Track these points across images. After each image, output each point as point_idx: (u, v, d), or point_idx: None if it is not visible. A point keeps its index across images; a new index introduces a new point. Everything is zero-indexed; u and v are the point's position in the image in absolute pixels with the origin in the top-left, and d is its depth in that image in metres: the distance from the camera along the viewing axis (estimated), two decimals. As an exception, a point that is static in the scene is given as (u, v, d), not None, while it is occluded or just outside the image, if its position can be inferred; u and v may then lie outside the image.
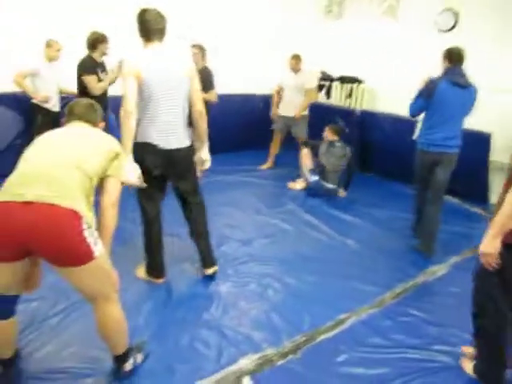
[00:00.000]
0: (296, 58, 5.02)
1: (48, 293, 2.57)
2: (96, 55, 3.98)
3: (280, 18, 6.24)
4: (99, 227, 1.82)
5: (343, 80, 5.77)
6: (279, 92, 5.27)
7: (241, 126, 6.10)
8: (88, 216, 1.69)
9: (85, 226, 1.66)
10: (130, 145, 2.36)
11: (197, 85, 2.59)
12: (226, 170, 5.23)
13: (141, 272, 2.88)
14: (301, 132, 5.19)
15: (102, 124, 2.11)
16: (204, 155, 2.72)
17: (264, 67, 6.12)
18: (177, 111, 2.51)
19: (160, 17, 2.45)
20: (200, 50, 4.37)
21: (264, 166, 5.47)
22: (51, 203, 1.60)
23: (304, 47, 6.31)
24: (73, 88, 4.20)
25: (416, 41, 5.27)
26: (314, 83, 5.27)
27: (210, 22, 5.51)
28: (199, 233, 2.82)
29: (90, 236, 1.69)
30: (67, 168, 1.71)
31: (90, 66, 3.96)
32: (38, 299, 2.51)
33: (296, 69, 5.06)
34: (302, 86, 5.09)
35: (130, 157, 2.38)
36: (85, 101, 2.07)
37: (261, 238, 3.58)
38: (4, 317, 1.83)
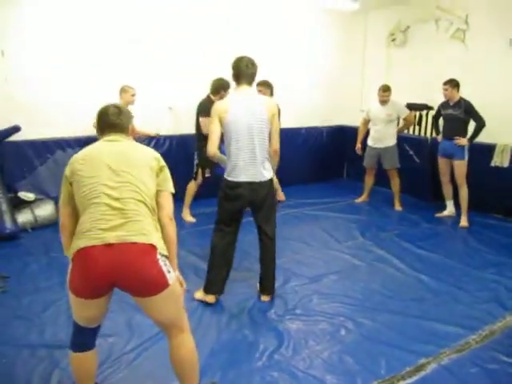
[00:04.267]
0: (388, 90, 5.02)
1: (123, 329, 2.64)
2: (216, 99, 4.09)
3: (342, 48, 6.48)
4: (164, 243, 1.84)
5: (411, 107, 5.61)
6: (366, 124, 5.33)
7: (308, 159, 6.41)
8: (160, 244, 1.77)
9: (159, 256, 1.74)
10: None
11: (276, 124, 2.77)
12: (294, 204, 5.41)
13: (198, 293, 2.99)
14: (394, 161, 5.17)
15: (131, 127, 2.02)
16: (276, 183, 2.98)
17: (327, 99, 6.46)
18: (259, 150, 2.74)
19: (251, 64, 2.70)
20: (267, 86, 4.53)
21: (359, 199, 5.56)
22: (131, 242, 1.69)
23: (370, 76, 6.29)
24: (146, 129, 4.80)
25: (486, 63, 5.09)
26: (407, 110, 5.24)
27: (276, 59, 5.73)
28: (266, 272, 2.99)
29: (164, 265, 1.75)
30: (136, 205, 1.77)
31: (207, 109, 4.07)
32: (114, 335, 2.56)
33: (387, 100, 5.06)
34: (395, 116, 5.11)
35: None
36: (112, 108, 1.93)
37: (331, 273, 3.53)
38: (88, 347, 1.88)
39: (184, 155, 5.01)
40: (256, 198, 2.79)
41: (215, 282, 2.93)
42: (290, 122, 5.47)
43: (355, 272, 3.58)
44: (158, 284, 1.74)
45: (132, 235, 1.70)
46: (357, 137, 5.48)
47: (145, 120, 4.75)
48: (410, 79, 5.90)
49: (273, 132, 2.76)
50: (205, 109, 4.07)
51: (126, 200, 1.76)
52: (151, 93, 4.97)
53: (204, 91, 4.41)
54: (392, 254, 3.91)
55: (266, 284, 3.01)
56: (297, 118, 5.91)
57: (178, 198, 4.87)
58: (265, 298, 3.03)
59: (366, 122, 5.34)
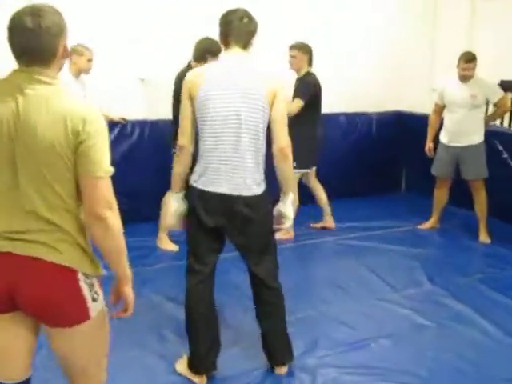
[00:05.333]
0: (472, 60, 5.02)
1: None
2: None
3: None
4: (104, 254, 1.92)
5: (506, 87, 5.58)
6: (439, 112, 5.41)
7: (349, 161, 6.51)
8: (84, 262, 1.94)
9: (80, 276, 1.89)
10: (177, 183, 2.86)
11: (281, 111, 2.78)
12: (322, 230, 5.54)
13: (181, 365, 3.10)
14: (480, 169, 5.19)
15: (63, 46, 1.90)
16: (284, 209, 2.93)
17: (380, 73, 6.68)
18: (245, 150, 2.76)
19: (247, 18, 2.74)
20: (304, 51, 4.81)
21: (425, 225, 5.67)
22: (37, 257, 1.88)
23: (443, 41, 6.49)
24: (107, 111, 4.77)
25: None
26: (500, 91, 5.26)
27: (307, 15, 6.03)
28: (271, 332, 3.04)
29: (88, 289, 1.90)
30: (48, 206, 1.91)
31: None
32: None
33: (470, 76, 5.08)
34: (482, 99, 5.13)
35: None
36: (27, 15, 1.78)
37: (381, 337, 3.57)
38: None
39: (160, 150, 5.08)
40: (233, 220, 2.81)
41: (200, 356, 2.99)
42: (322, 105, 5.50)
43: (419, 336, 3.59)
44: (71, 313, 1.88)
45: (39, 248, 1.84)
46: (425, 131, 5.55)
47: (106, 97, 4.83)
48: (505, 46, 5.93)
49: (276, 122, 2.78)
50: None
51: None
52: (116, 58, 5.09)
53: (188, 58, 4.50)
54: (475, 310, 3.93)
55: (276, 352, 3.08)
56: (333, 99, 5.87)
57: (151, 215, 5.11)
58: (280, 371, 3.09)
59: (440, 108, 5.40)
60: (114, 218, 1.83)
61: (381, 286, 4.34)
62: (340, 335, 3.58)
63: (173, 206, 2.90)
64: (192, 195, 2.84)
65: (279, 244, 4.77)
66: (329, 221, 5.57)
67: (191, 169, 2.88)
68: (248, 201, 2.77)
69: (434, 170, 5.49)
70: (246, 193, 2.75)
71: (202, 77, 2.73)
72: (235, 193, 2.74)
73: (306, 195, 5.14)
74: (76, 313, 1.88)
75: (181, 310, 3.38)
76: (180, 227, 2.97)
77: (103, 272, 1.95)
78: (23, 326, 1.93)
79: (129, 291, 1.97)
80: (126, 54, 5.25)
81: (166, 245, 4.91)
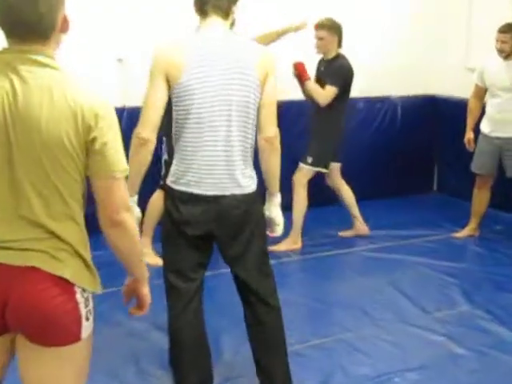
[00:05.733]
0: (508, 31, 5.09)
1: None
2: None
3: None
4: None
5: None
6: (481, 96, 5.45)
7: (370, 156, 6.56)
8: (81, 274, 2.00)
9: (77, 289, 1.95)
10: (135, 184, 2.80)
11: (270, 94, 2.80)
12: (348, 239, 5.59)
13: None
14: None
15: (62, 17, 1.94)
16: (273, 212, 3.00)
17: (407, 49, 6.68)
18: (235, 141, 2.76)
19: None
20: (334, 30, 4.97)
21: (462, 233, 5.68)
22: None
23: (481, 9, 6.41)
24: None
25: None
26: None
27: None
28: (267, 367, 3.02)
29: (84, 306, 1.96)
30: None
31: None
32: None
33: (505, 49, 5.15)
34: None
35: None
36: None
37: (409, 370, 3.54)
38: None
39: None
40: (224, 226, 2.82)
41: None
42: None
43: (455, 368, 3.56)
44: (64, 330, 1.92)
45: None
46: (462, 118, 5.56)
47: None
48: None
49: (264, 107, 2.79)
50: None
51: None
52: (88, 34, 5.08)
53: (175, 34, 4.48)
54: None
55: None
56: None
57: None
58: None
59: (481, 91, 5.42)
60: (131, 220, 1.96)
61: (409, 308, 4.31)
62: (359, 368, 3.55)
63: (136, 211, 2.89)
64: (171, 199, 2.83)
65: (284, 256, 4.83)
66: (360, 226, 5.62)
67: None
68: (241, 200, 2.79)
69: (473, 167, 5.49)
70: (237, 191, 2.77)
71: (183, 52, 2.69)
72: (227, 192, 2.75)
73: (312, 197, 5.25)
74: (69, 331, 1.92)
75: (164, 338, 3.48)
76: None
77: (101, 290, 2.03)
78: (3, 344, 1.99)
79: (147, 292, 2.13)
80: (100, 28, 5.25)
81: (149, 258, 4.83)
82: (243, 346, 3.56)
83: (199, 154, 2.72)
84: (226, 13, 2.74)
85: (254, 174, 2.85)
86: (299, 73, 5.03)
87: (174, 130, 2.79)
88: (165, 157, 4.76)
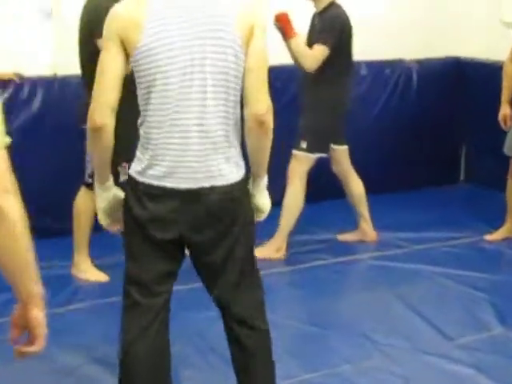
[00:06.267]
0: None
1: None
2: None
3: None
4: None
5: None
6: None
7: (379, 137, 6.62)
8: None
9: None
10: (103, 171, 2.88)
11: (259, 55, 2.78)
12: (355, 243, 5.61)
13: None
14: None
15: None
16: (260, 199, 3.01)
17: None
18: (212, 117, 2.75)
19: None
20: None
21: (495, 235, 5.71)
22: None
23: None
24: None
25: None
26: None
27: None
28: None
29: None
30: None
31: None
32: None
33: None
34: None
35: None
36: None
37: None
38: None
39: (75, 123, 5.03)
40: (202, 227, 2.83)
41: None
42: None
43: None
44: None
45: None
46: (496, 89, 5.60)
47: None
48: None
49: (252, 72, 2.76)
50: (103, 19, 4.18)
51: None
52: None
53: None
54: None
55: None
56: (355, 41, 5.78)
57: (61, 226, 5.28)
58: None
59: None
60: (11, 205, 1.82)
61: (425, 332, 4.27)
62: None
63: (102, 201, 2.95)
64: (134, 195, 2.82)
65: (268, 267, 5.01)
66: (367, 229, 5.60)
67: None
68: (223, 193, 2.79)
69: (507, 148, 5.51)
70: (219, 181, 2.76)
71: (140, 7, 2.68)
72: (205, 184, 2.74)
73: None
74: None
75: (111, 373, 3.52)
76: (118, 227, 3.07)
77: None
78: None
79: (39, 316, 1.93)
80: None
81: (89, 273, 4.91)
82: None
83: (168, 138, 2.73)
84: None
85: (240, 158, 2.87)
86: (282, 27, 4.98)
87: (141, 110, 2.80)
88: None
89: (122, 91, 2.75)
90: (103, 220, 3.01)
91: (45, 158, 5.44)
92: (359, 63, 6.37)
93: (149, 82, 2.70)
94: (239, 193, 2.84)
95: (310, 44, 5.00)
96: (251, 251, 3.00)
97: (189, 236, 2.81)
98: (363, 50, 6.17)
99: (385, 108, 6.65)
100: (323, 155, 5.24)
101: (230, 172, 2.80)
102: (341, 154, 5.40)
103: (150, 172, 2.76)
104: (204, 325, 4.01)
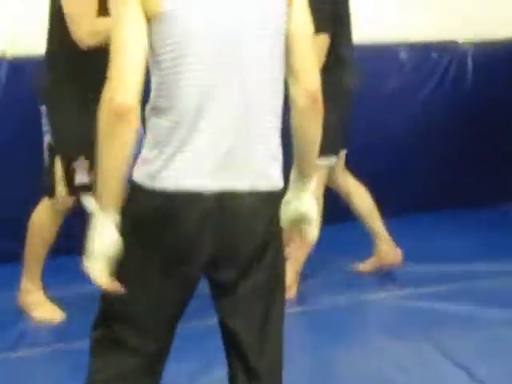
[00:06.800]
0: None
1: None
2: None
3: None
4: None
5: None
6: None
7: (413, 143, 6.61)
8: None
9: None
10: (114, 188, 2.64)
11: (305, 15, 2.80)
12: (355, 277, 5.63)
13: None
14: None
15: None
16: (306, 206, 2.91)
17: None
18: (254, 99, 2.68)
19: None
20: None
21: None
22: None
23: None
24: None
25: None
26: None
27: None
28: None
29: None
30: None
31: None
32: None
33: None
34: None
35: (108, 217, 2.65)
36: None
37: None
38: None
39: (27, 116, 5.22)
40: (234, 243, 2.71)
41: None
42: (369, 30, 5.73)
43: None
44: None
45: None
46: None
47: None
48: None
49: (299, 41, 2.74)
50: None
51: None
52: None
53: None
54: None
55: None
56: (380, 16, 6.07)
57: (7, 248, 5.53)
58: None
59: None
60: None
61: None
62: None
63: (109, 235, 2.70)
64: (144, 205, 2.71)
65: None
66: (387, 249, 5.55)
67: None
68: (265, 201, 2.73)
69: None
70: (263, 185, 2.68)
71: None
72: (245, 187, 2.65)
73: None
74: None
75: None
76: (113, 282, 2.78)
77: None
78: None
79: None
80: None
81: (40, 309, 4.86)
82: None
83: (199, 131, 2.61)
84: None
85: (281, 155, 2.81)
86: None
87: (154, 95, 2.67)
88: (48, 140, 4.82)
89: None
90: (99, 273, 2.66)
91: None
92: (397, 45, 6.38)
93: (175, 58, 2.60)
94: (279, 202, 2.83)
95: None
96: (282, 278, 2.90)
97: (213, 257, 2.72)
98: (401, 28, 6.24)
99: (429, 103, 6.62)
100: (334, 159, 5.22)
101: (273, 173, 2.74)
102: (339, 161, 5.41)
103: (170, 170, 2.62)
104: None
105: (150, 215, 2.68)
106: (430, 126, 6.55)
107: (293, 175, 2.90)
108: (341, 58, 5.16)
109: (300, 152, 2.88)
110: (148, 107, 2.67)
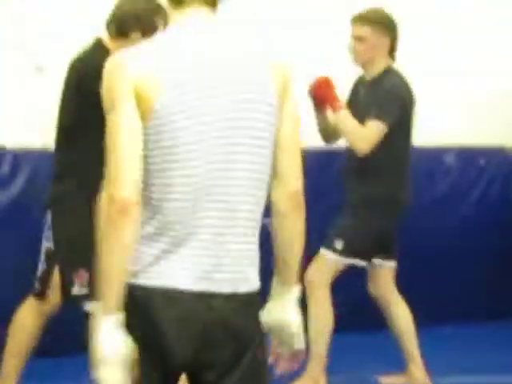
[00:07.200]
0: None
1: None
2: (117, 47, 4.38)
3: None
4: None
5: None
6: None
7: (454, 248, 6.48)
8: None
9: None
10: (116, 289, 2.58)
11: (295, 121, 2.77)
12: None
13: None
14: None
15: None
16: (289, 316, 2.84)
17: None
18: (240, 207, 2.66)
19: None
20: (379, 28, 5.02)
21: None
22: None
23: None
24: None
25: None
26: None
27: None
28: None
29: None
30: None
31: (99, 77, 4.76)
32: None
33: None
34: None
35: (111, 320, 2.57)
36: None
37: None
38: None
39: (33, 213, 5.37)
40: (219, 348, 2.66)
41: None
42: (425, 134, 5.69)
43: None
44: None
45: None
46: None
47: None
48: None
49: (284, 143, 2.71)
50: (96, 77, 4.35)
51: None
52: None
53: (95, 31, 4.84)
54: None
55: None
56: (428, 118, 5.89)
57: None
58: None
59: None
60: None
61: None
62: None
63: (118, 340, 2.62)
64: (135, 304, 2.64)
65: None
66: (417, 372, 5.40)
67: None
68: (244, 304, 2.65)
69: None
70: (243, 287, 2.62)
71: (157, 65, 2.59)
72: (226, 289, 2.61)
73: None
74: None
75: None
76: None
77: None
78: None
79: None
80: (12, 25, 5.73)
81: None
82: None
83: (188, 232, 2.61)
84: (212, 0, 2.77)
85: (258, 259, 2.76)
86: (322, 96, 5.03)
87: (147, 188, 2.63)
88: (47, 244, 4.83)
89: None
90: (115, 377, 2.58)
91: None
92: (444, 150, 6.36)
93: (170, 154, 2.59)
94: (256, 302, 2.69)
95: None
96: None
97: (195, 359, 2.65)
98: (448, 131, 6.19)
99: (476, 210, 6.64)
100: (359, 263, 5.17)
101: (253, 274, 2.68)
102: (385, 271, 5.38)
103: (159, 267, 2.59)
104: None
105: (130, 310, 2.57)
106: (475, 234, 6.39)
107: (274, 282, 2.83)
108: (401, 168, 5.15)
109: (281, 256, 2.80)
110: None
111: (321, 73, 5.01)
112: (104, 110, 2.58)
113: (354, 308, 5.64)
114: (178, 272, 2.59)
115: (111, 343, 2.54)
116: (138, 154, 2.58)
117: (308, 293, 5.07)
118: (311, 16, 5.21)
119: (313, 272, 5.15)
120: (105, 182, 2.56)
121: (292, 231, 2.81)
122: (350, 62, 5.12)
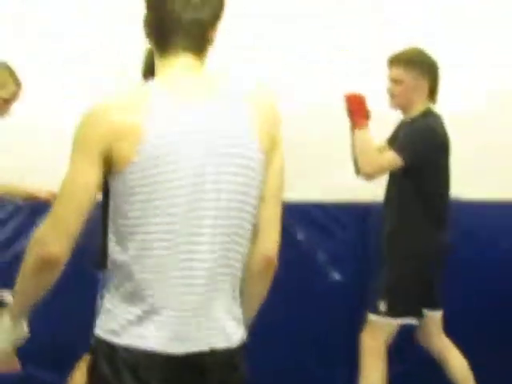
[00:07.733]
0: None
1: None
2: None
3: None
4: None
5: None
6: None
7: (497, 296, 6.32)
8: None
9: None
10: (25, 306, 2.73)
11: (281, 179, 2.81)
12: None
13: None
14: None
15: None
16: None
17: None
18: (220, 261, 2.66)
19: None
20: (418, 70, 5.02)
21: None
22: None
23: None
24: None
25: None
26: None
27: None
28: None
29: None
30: None
31: None
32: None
33: None
34: None
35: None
36: None
37: None
38: None
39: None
40: None
41: None
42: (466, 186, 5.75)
43: None
44: None
45: None
46: None
47: (27, 152, 5.60)
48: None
49: (268, 203, 2.75)
50: None
51: None
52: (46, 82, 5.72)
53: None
54: None
55: None
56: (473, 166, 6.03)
57: None
58: None
59: None
60: None
61: None
62: None
63: (6, 340, 2.79)
64: (110, 364, 2.64)
65: None
66: None
67: None
68: (226, 360, 2.69)
69: None
70: (221, 343, 2.66)
71: (139, 114, 2.57)
72: (204, 347, 2.64)
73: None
74: None
75: None
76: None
77: None
78: None
79: None
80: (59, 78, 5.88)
81: None
82: None
83: (167, 286, 2.61)
84: (198, 48, 2.71)
85: (241, 313, 2.82)
86: (352, 111, 5.02)
87: (112, 243, 2.63)
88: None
89: None
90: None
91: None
92: (489, 204, 6.42)
93: (145, 212, 2.57)
94: (238, 358, 2.74)
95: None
96: None
97: None
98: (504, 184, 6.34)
99: None
100: (411, 321, 5.13)
101: (232, 331, 2.71)
102: (432, 321, 5.31)
103: (135, 331, 2.59)
104: None
105: (113, 370, 2.60)
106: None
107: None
108: (439, 216, 5.13)
109: (248, 307, 2.85)
110: (109, 260, 2.66)
111: (319, 70, 5.03)
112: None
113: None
114: (161, 335, 2.59)
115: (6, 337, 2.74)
116: (88, 205, 2.57)
117: (361, 361, 5.09)
118: (301, 10, 5.17)
119: (366, 338, 5.13)
120: (42, 223, 2.54)
121: (261, 290, 2.86)
122: (337, 55, 5.22)
